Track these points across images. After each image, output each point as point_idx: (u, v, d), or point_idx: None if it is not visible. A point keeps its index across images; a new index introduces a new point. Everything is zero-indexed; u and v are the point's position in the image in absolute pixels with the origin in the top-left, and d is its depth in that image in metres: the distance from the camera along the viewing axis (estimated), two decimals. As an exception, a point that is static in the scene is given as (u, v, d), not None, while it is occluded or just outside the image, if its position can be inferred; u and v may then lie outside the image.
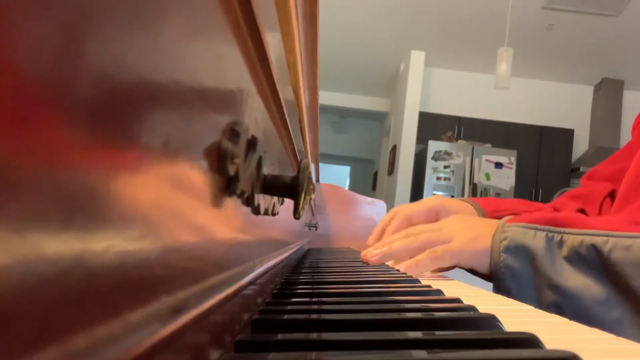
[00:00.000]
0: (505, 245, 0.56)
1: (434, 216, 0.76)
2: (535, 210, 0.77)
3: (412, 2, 3.95)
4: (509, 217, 0.60)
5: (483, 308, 0.29)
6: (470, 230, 0.60)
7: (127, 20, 0.10)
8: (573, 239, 0.52)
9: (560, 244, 0.53)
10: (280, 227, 0.46)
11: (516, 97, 5.19)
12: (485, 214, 0.76)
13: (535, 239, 0.54)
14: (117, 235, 0.11)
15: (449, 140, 4.78)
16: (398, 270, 0.57)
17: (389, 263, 0.63)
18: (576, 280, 0.51)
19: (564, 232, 0.53)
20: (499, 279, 0.56)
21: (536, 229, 0.55)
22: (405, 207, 0.77)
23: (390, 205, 4.55)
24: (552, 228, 0.54)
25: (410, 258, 0.60)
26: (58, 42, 0.08)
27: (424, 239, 0.61)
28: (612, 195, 0.72)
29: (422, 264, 0.58)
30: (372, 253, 0.65)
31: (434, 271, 0.63)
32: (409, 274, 0.55)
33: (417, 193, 4.73)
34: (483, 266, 0.58)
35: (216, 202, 0.19)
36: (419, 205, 0.77)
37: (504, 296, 0.55)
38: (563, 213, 0.57)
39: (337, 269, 0.62)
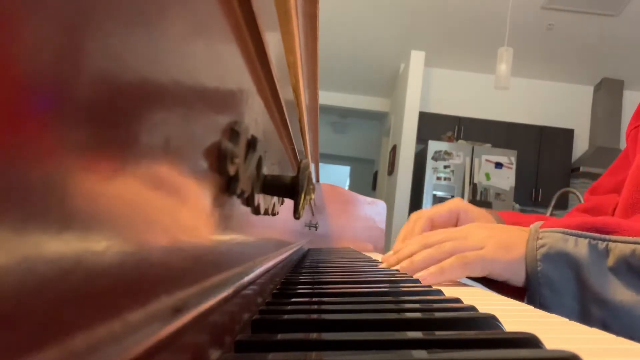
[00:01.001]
0: (543, 253, 0.50)
1: (455, 218, 0.72)
2: None
3: (412, 2, 3.95)
4: (540, 222, 0.54)
5: (483, 308, 0.29)
6: (499, 237, 0.53)
7: (126, 20, 0.10)
8: (622, 247, 0.46)
9: (606, 253, 0.47)
10: (280, 227, 0.46)
11: (516, 97, 5.19)
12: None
13: (578, 247, 0.48)
14: (117, 235, 0.11)
15: (449, 140, 4.77)
16: (398, 270, 0.57)
17: (397, 267, 0.58)
18: (625, 295, 0.45)
19: (610, 240, 0.47)
20: (534, 290, 0.50)
21: (577, 235, 0.49)
22: (426, 210, 0.73)
23: (390, 205, 4.55)
24: (595, 235, 0.48)
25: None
26: (58, 41, 0.08)
27: (448, 248, 0.54)
28: None
29: (449, 271, 0.51)
30: (390, 265, 0.60)
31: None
32: (431, 282, 0.50)
33: (417, 193, 4.73)
34: (519, 277, 0.52)
35: (216, 202, 0.19)
36: (440, 207, 0.73)
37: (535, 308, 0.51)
38: (603, 217, 0.51)
39: (337, 269, 0.62)
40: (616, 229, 0.48)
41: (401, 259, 0.59)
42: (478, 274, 0.52)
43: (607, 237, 0.47)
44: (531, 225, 0.54)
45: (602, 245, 0.47)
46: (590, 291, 0.47)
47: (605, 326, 0.46)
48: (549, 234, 0.51)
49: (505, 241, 0.53)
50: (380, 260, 0.71)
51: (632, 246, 0.45)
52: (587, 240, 0.48)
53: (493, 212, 0.74)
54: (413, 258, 0.55)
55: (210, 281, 0.18)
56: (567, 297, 0.49)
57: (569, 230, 0.50)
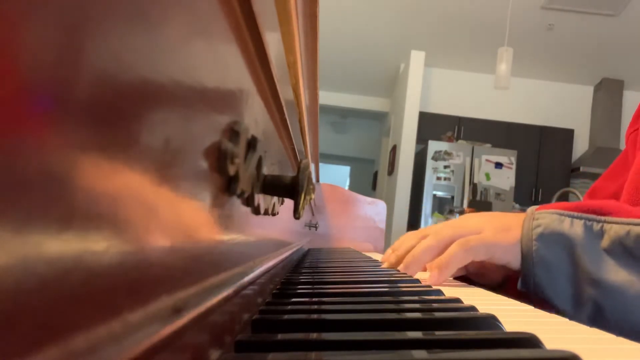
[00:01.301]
0: (538, 233, 0.50)
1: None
2: None
3: (412, 2, 3.95)
4: (537, 205, 0.54)
5: (483, 308, 0.29)
6: (496, 222, 0.53)
7: (127, 20, 0.10)
8: (617, 228, 0.46)
9: (601, 233, 0.47)
10: (280, 227, 0.46)
11: (516, 97, 5.19)
12: None
13: (573, 227, 0.48)
14: (117, 235, 0.11)
15: (449, 140, 4.78)
16: (398, 270, 0.57)
17: (400, 265, 0.57)
18: (619, 275, 0.45)
19: (605, 221, 0.47)
20: (528, 271, 0.50)
21: (573, 216, 0.49)
22: (423, 229, 0.72)
23: (390, 205, 4.55)
24: (590, 216, 0.48)
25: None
26: (58, 42, 0.08)
27: (446, 234, 0.53)
28: None
29: (454, 259, 0.50)
30: (391, 265, 0.58)
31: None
32: (442, 278, 0.50)
33: (417, 193, 4.73)
34: (519, 260, 0.51)
35: (216, 202, 0.19)
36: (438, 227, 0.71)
37: (530, 289, 0.50)
38: (600, 200, 0.51)
39: (337, 269, 0.62)
40: (612, 211, 0.48)
41: (401, 255, 0.58)
42: (481, 257, 0.51)
43: (603, 218, 0.48)
44: (528, 208, 0.54)
45: (597, 226, 0.48)
46: (584, 271, 0.47)
47: (598, 306, 0.46)
48: (545, 214, 0.51)
49: (503, 224, 0.53)
50: (380, 261, 0.70)
51: (627, 227, 0.45)
52: (582, 221, 0.48)
53: None
54: (414, 251, 0.55)
55: (210, 281, 0.18)
56: (561, 277, 0.49)
57: (565, 212, 0.50)
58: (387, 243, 4.20)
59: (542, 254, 0.49)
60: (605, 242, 0.47)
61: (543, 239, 0.49)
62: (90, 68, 0.09)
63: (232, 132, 0.20)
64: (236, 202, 0.23)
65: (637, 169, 0.58)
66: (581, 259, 0.47)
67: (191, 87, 0.15)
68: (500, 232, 0.52)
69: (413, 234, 0.64)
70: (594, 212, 0.49)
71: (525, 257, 0.50)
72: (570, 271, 0.49)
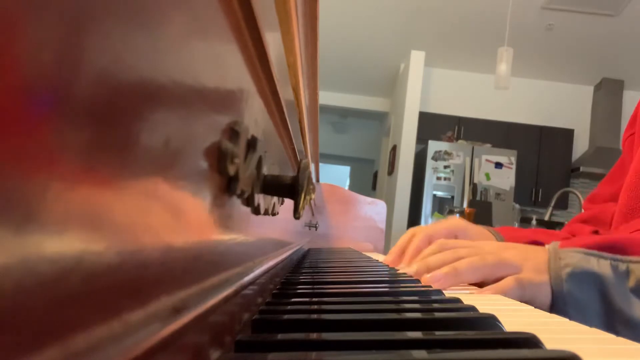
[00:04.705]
0: (568, 273, 0.49)
1: (453, 237, 0.69)
2: (552, 237, 0.69)
3: (412, 2, 3.95)
4: (557, 242, 0.53)
5: (483, 308, 0.29)
6: (533, 260, 0.52)
7: (126, 20, 0.10)
8: None
9: (627, 273, 0.48)
10: (280, 227, 0.46)
11: (516, 97, 5.19)
12: (504, 241, 0.69)
13: (601, 267, 0.49)
14: (117, 235, 0.11)
15: (449, 140, 4.77)
16: (397, 270, 0.57)
17: (424, 276, 0.52)
18: None
19: (630, 261, 0.48)
20: (560, 311, 0.49)
21: (599, 256, 0.49)
22: (425, 227, 0.70)
23: (390, 205, 4.55)
24: (616, 256, 0.49)
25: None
26: (57, 41, 0.08)
27: (491, 261, 0.51)
28: None
29: (508, 293, 0.48)
30: (418, 274, 0.55)
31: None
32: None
33: (417, 193, 4.73)
34: (548, 300, 0.50)
35: (216, 202, 0.19)
36: (439, 225, 0.70)
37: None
38: (620, 235, 0.51)
39: (337, 269, 0.62)
40: (633, 247, 0.48)
41: (433, 266, 0.53)
42: (525, 299, 0.50)
43: (627, 258, 0.48)
44: (548, 246, 0.54)
45: (622, 266, 0.48)
46: (616, 310, 0.47)
47: None
48: (571, 253, 0.51)
49: (539, 265, 0.52)
50: (381, 261, 0.70)
51: None
52: (608, 262, 0.49)
53: (491, 230, 0.73)
54: (457, 265, 0.51)
55: (210, 281, 0.18)
56: (594, 316, 0.49)
57: (589, 251, 0.50)
58: (387, 243, 4.20)
59: (574, 293, 0.49)
60: (631, 281, 0.47)
61: (574, 279, 0.49)
62: (89, 68, 0.09)
63: (232, 132, 0.20)
64: (236, 202, 0.23)
65: (634, 173, 0.59)
66: (612, 297, 0.47)
67: (191, 87, 0.15)
68: (538, 274, 0.51)
69: (419, 236, 0.63)
70: (613, 248, 0.49)
71: (556, 297, 0.50)
72: (602, 310, 0.48)
